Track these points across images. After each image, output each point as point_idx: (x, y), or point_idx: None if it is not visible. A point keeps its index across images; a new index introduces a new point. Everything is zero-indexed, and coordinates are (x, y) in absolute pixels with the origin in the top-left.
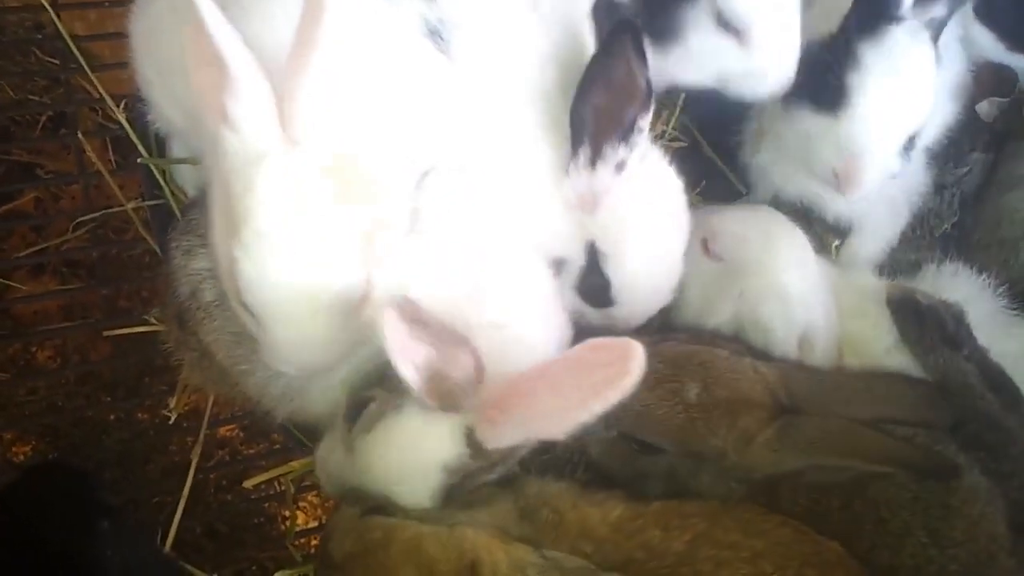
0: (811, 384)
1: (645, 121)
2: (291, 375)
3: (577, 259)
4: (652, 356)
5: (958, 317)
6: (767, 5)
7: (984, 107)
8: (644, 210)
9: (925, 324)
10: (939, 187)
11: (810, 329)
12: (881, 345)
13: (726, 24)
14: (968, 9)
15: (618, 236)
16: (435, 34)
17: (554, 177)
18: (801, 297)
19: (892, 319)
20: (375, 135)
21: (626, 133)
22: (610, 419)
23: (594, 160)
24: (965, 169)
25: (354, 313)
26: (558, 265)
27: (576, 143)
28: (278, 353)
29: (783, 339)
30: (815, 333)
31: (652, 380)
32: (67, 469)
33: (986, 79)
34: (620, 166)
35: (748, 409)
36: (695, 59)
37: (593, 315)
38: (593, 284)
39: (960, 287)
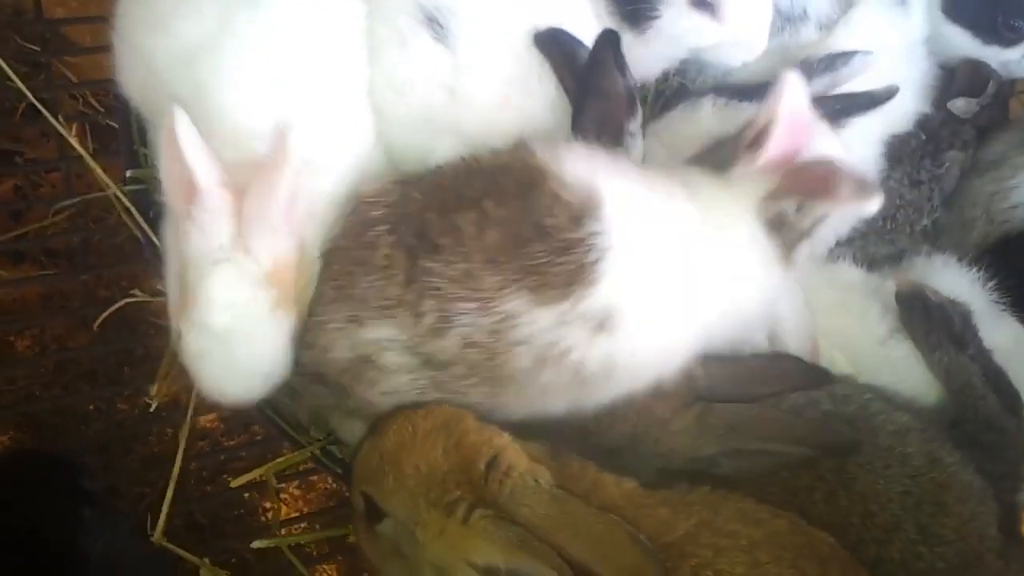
0: (725, 372)
1: (635, 125)
2: None
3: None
4: None
5: (965, 316)
6: None
7: (960, 104)
8: None
9: (932, 321)
10: (915, 182)
11: (777, 324)
12: (871, 338)
13: (699, 2)
14: (936, 11)
15: None
16: (432, 21)
17: None
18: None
19: (899, 313)
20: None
21: (618, 138)
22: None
23: None
24: (943, 167)
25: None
26: None
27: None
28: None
29: (749, 338)
30: (783, 327)
31: None
32: (49, 456)
33: (964, 76)
34: None
35: (661, 396)
36: (671, 39)
37: None
38: None
39: (950, 280)
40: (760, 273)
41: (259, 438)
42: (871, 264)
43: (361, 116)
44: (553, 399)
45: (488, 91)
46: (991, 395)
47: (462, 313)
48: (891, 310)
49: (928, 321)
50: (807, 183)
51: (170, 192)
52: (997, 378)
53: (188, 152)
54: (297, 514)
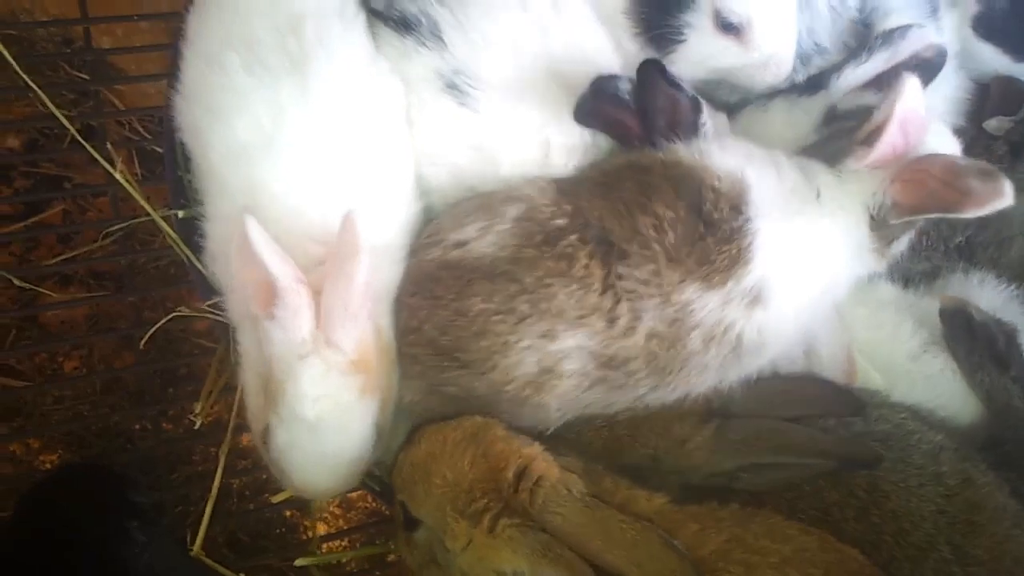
0: (743, 387)
1: (704, 116)
2: None
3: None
4: None
5: (1009, 336)
6: (764, 1)
7: (993, 124)
8: None
9: (975, 340)
10: None
11: (812, 340)
12: (903, 353)
13: (726, 25)
14: (967, 29)
15: None
16: (453, 88)
17: None
18: None
19: (942, 330)
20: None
21: (693, 133)
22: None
23: None
24: None
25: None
26: None
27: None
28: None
29: (786, 354)
30: (819, 342)
31: None
32: (100, 469)
33: (997, 93)
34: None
35: (680, 417)
36: (696, 61)
37: None
38: None
39: (988, 297)
40: (858, 264)
41: None
42: (907, 281)
43: (409, 189)
44: (707, 377)
45: (525, 143)
46: None
47: (649, 309)
48: (925, 325)
49: (971, 340)
50: (929, 192)
51: (247, 296)
52: None
53: (265, 256)
54: (337, 531)
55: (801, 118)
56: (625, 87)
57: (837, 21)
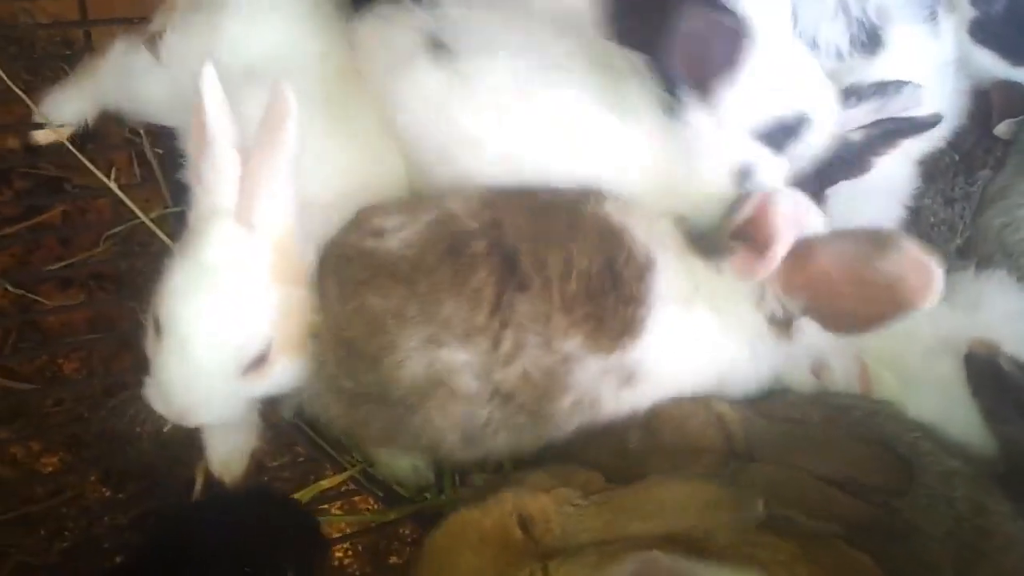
0: (768, 432)
1: (747, 59)
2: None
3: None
4: None
5: None
6: None
7: (1003, 128)
8: None
9: (1005, 391)
10: (948, 200)
11: (820, 355)
12: (915, 353)
13: None
14: (964, 34)
15: None
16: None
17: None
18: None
19: (967, 375)
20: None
21: (719, 80)
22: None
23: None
24: (976, 185)
25: (239, 376)
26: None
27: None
28: (162, 386)
29: (795, 371)
30: (828, 359)
31: (596, 429)
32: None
33: (1000, 98)
34: None
35: (697, 456)
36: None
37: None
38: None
39: (1002, 295)
40: (756, 351)
41: (302, 459)
42: None
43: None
44: (558, 435)
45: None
46: None
47: (531, 347)
48: (936, 323)
49: (1000, 390)
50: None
51: (189, 150)
52: None
53: (208, 107)
54: (339, 535)
55: None
56: None
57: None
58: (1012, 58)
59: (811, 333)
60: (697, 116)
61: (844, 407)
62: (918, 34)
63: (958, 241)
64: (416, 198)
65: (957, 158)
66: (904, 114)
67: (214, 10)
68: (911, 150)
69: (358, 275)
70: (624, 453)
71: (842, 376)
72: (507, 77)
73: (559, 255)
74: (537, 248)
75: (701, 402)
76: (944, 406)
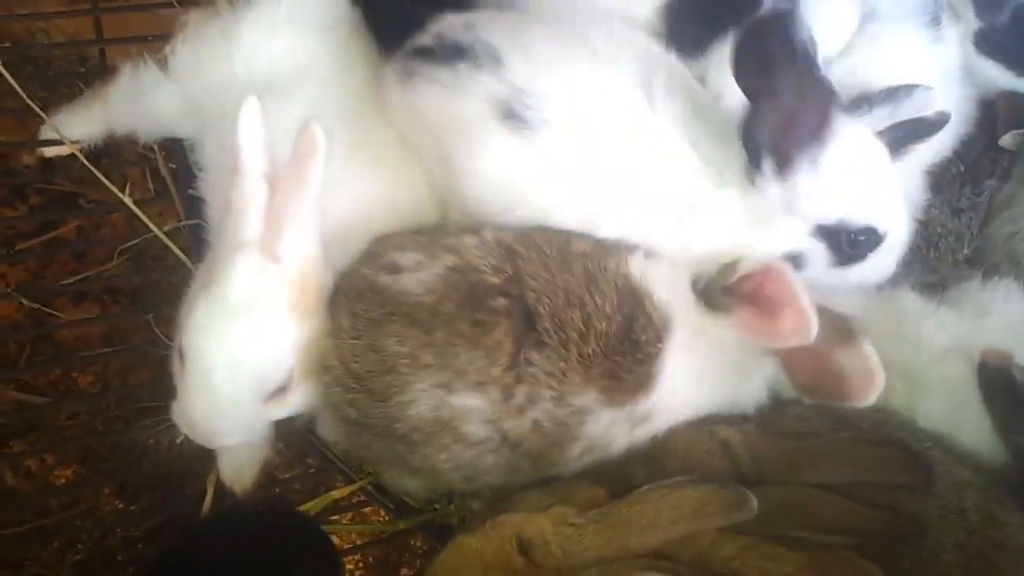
0: (775, 450)
1: (839, 112)
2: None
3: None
4: None
5: None
6: None
7: (1008, 140)
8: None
9: (1018, 400)
10: (956, 210)
11: None
12: (923, 359)
13: None
14: (968, 44)
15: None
16: (512, 116)
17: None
18: None
19: (979, 387)
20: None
21: (817, 140)
22: None
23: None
24: (982, 195)
25: (262, 404)
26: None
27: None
28: (186, 413)
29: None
30: None
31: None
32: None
33: (1005, 109)
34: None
35: (702, 480)
36: None
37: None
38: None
39: (1009, 304)
40: (765, 374)
41: (313, 471)
42: (918, 293)
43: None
44: (566, 472)
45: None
46: None
47: (543, 400)
48: (945, 328)
49: (1013, 402)
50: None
51: (222, 186)
52: None
53: (243, 138)
54: (350, 546)
55: None
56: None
57: None
58: (1017, 69)
59: None
60: (772, 188)
61: (852, 418)
62: (920, 38)
63: (966, 251)
64: (432, 235)
65: (963, 168)
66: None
67: (229, 23)
68: (920, 161)
69: (371, 312)
70: (630, 490)
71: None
72: (583, 148)
73: (578, 315)
74: (556, 306)
75: (705, 430)
76: (954, 414)
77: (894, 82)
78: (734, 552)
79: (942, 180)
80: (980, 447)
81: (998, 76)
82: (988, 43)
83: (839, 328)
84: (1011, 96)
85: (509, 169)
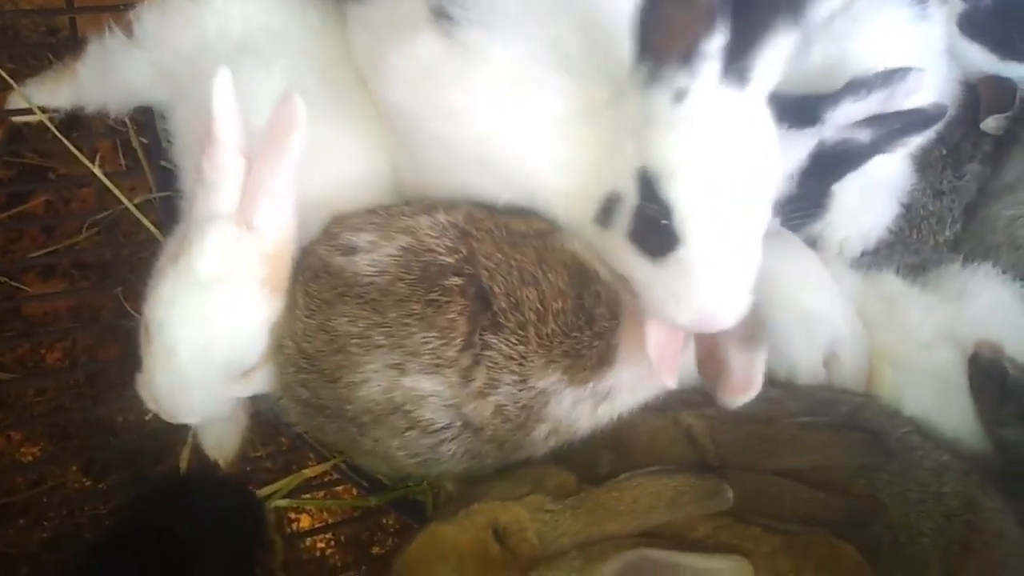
0: (737, 436)
1: (713, 45)
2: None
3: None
4: None
5: None
6: None
7: (991, 123)
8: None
9: (1008, 395)
10: (937, 193)
11: (836, 345)
12: (911, 344)
13: None
14: (953, 27)
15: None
16: (441, 16)
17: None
18: (822, 315)
19: (969, 378)
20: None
21: (688, 59)
22: None
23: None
24: (964, 178)
25: (231, 383)
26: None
27: (636, 57)
28: (151, 387)
29: (806, 361)
30: (842, 348)
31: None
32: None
33: (987, 93)
34: (679, 95)
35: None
36: None
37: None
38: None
39: (988, 288)
40: None
41: (286, 448)
42: (900, 275)
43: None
44: (532, 455)
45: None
46: None
47: (505, 384)
48: (931, 313)
49: (1002, 395)
50: None
51: (196, 154)
52: None
53: (218, 110)
54: (322, 524)
55: (787, 154)
56: None
57: None
58: (1000, 52)
59: (835, 316)
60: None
61: (831, 402)
62: (907, 21)
63: (947, 233)
64: (387, 214)
65: (945, 152)
66: (909, 100)
67: None
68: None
69: (324, 293)
70: (595, 478)
71: (850, 368)
72: (507, 58)
73: (534, 293)
74: (511, 286)
75: (669, 418)
76: (939, 398)
77: (878, 61)
78: (707, 532)
79: (924, 163)
80: (963, 432)
81: (982, 59)
82: (972, 25)
83: (750, 330)
84: (993, 80)
85: (429, 65)
